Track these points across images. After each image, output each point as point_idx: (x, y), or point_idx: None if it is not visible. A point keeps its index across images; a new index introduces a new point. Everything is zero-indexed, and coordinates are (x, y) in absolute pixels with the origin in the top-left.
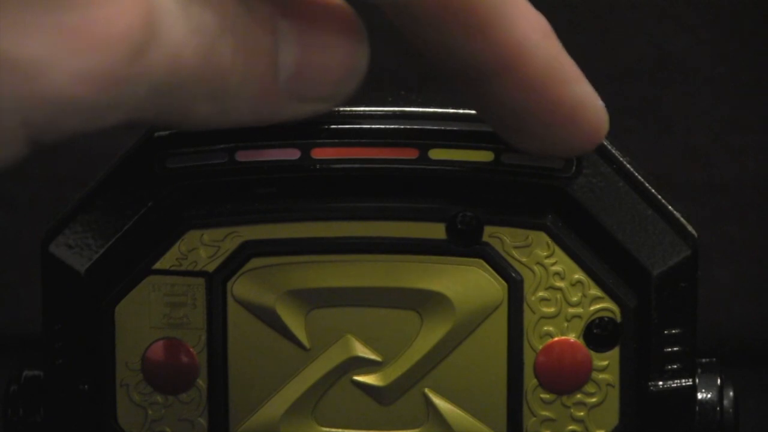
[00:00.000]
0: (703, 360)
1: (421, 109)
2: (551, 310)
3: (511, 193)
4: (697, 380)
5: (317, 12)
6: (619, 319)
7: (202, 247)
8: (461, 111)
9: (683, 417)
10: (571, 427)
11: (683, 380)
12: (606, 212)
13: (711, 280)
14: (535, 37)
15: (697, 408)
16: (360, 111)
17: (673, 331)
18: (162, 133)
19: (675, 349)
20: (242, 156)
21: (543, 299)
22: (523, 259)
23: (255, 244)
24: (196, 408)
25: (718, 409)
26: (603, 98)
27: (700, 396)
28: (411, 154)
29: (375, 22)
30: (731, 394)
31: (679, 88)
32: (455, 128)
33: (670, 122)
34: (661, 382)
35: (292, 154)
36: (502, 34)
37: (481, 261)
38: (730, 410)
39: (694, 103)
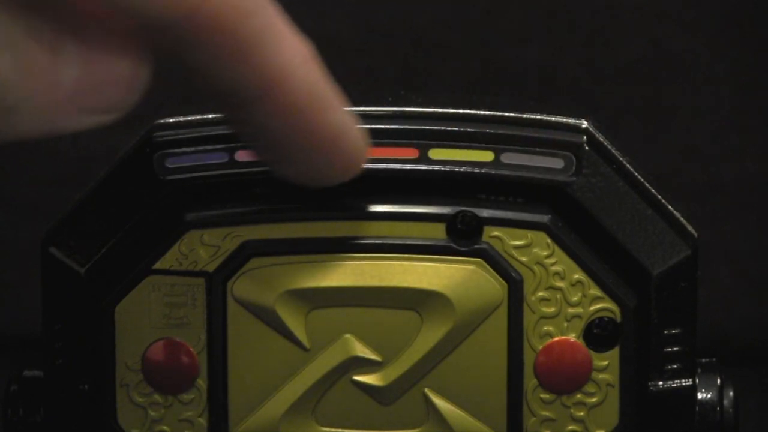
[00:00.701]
0: (703, 360)
1: (421, 109)
2: (551, 310)
3: (511, 192)
4: (697, 380)
5: (99, 33)
6: (619, 319)
7: (202, 247)
8: (461, 111)
9: (683, 417)
10: (571, 427)
11: (683, 380)
12: (606, 212)
13: (711, 280)
14: (296, 62)
15: (697, 408)
16: (360, 111)
17: (673, 331)
18: (162, 133)
19: (675, 349)
20: (242, 156)
21: (543, 299)
22: (523, 259)
23: (255, 244)
24: (196, 408)
25: (718, 409)
26: (603, 98)
27: (700, 396)
28: (411, 154)
29: (375, 22)
30: (731, 394)
31: (679, 88)
32: (455, 128)
33: (670, 122)
34: (661, 382)
35: None
36: (264, 59)
37: (481, 261)
38: (730, 410)
39: (694, 103)
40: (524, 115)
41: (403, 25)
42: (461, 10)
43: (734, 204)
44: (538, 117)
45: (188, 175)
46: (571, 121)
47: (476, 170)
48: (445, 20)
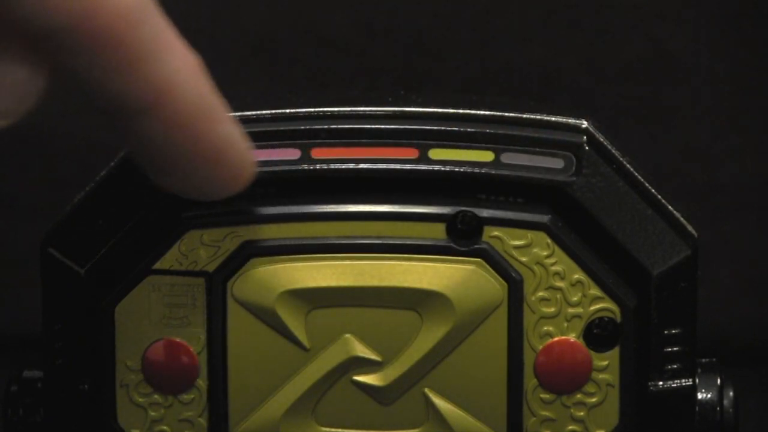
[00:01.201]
0: (703, 360)
1: (421, 109)
2: (551, 310)
3: (511, 192)
4: (697, 380)
5: None
6: (619, 319)
7: (202, 247)
8: (461, 111)
9: (683, 417)
10: (571, 427)
11: (683, 380)
12: (606, 212)
13: (711, 280)
14: (184, 74)
15: (697, 408)
16: (360, 111)
17: (673, 331)
18: None
19: (675, 349)
20: None
21: (543, 299)
22: (523, 259)
23: (255, 244)
24: (196, 408)
25: (718, 409)
26: (603, 98)
27: (700, 396)
28: (411, 154)
29: (375, 22)
30: (731, 394)
31: (679, 88)
32: (455, 128)
33: (670, 122)
34: (661, 382)
35: (293, 154)
36: (152, 70)
37: (481, 261)
38: (730, 410)
39: (694, 103)
40: (524, 115)
41: (403, 25)
42: (461, 10)
43: (734, 204)
44: (538, 117)
45: None
46: (571, 121)
47: (476, 170)
48: (445, 20)
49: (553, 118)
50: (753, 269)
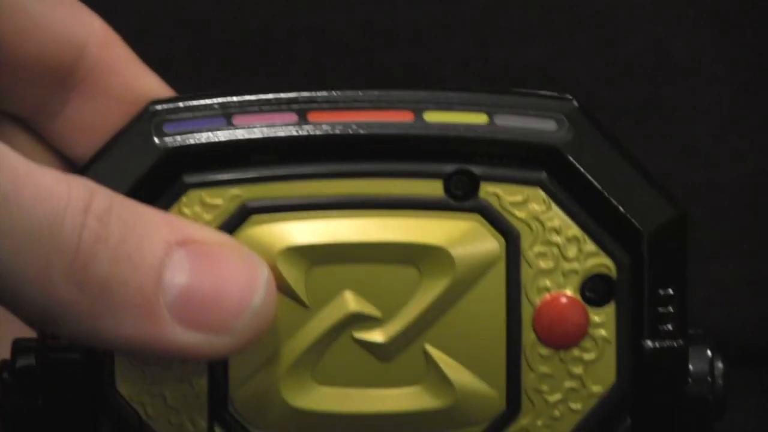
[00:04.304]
0: (692, 331)
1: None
2: (548, 264)
3: (506, 153)
4: (689, 344)
5: (214, 248)
6: (614, 275)
7: (202, 207)
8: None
9: (676, 378)
10: (568, 384)
11: (676, 341)
12: (597, 173)
13: (711, 280)
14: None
15: (689, 377)
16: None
17: (666, 292)
18: (159, 104)
19: (668, 309)
20: (239, 120)
21: (540, 254)
22: (520, 215)
23: (254, 203)
24: (196, 369)
25: (708, 379)
26: (603, 98)
27: (691, 367)
28: (406, 117)
29: (375, 22)
30: (720, 365)
31: (679, 88)
32: (449, 92)
33: (670, 122)
34: (655, 342)
35: (289, 118)
36: None
37: (479, 216)
38: (720, 381)
39: (694, 103)
40: (515, 89)
41: (403, 25)
42: (461, 10)
43: (734, 204)
44: (529, 90)
45: (186, 140)
46: (559, 94)
47: (471, 131)
48: (445, 20)
49: (543, 92)
50: (753, 269)
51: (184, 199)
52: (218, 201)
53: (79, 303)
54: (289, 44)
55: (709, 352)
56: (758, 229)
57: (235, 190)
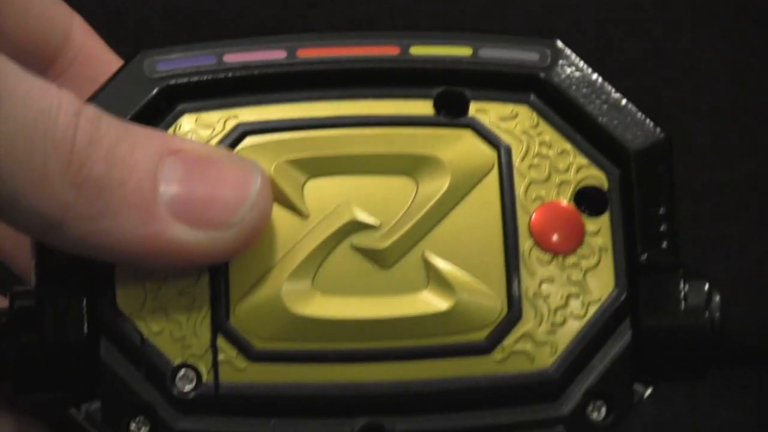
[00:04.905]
0: (690, 265)
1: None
2: (540, 175)
3: (491, 82)
4: (682, 266)
5: (206, 154)
6: (606, 186)
7: (198, 129)
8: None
9: (672, 295)
10: (568, 290)
11: (669, 258)
12: (583, 98)
13: (711, 279)
14: None
15: (683, 308)
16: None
17: (656, 210)
18: (152, 48)
19: (660, 228)
20: (230, 57)
21: (532, 165)
22: (510, 129)
23: (250, 124)
24: (197, 282)
25: (706, 314)
26: None
27: (688, 301)
28: (392, 51)
29: (375, 22)
30: (717, 298)
31: (678, 88)
32: (434, 30)
33: (670, 122)
34: (650, 256)
35: (279, 55)
36: None
37: (470, 131)
38: (717, 313)
39: (693, 104)
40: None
41: (402, 25)
42: (461, 11)
43: (734, 204)
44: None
45: (179, 74)
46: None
47: (456, 63)
48: (445, 21)
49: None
50: (753, 269)
51: (178, 123)
52: (213, 123)
53: (79, 204)
54: None
55: (707, 286)
56: (758, 229)
57: (228, 114)
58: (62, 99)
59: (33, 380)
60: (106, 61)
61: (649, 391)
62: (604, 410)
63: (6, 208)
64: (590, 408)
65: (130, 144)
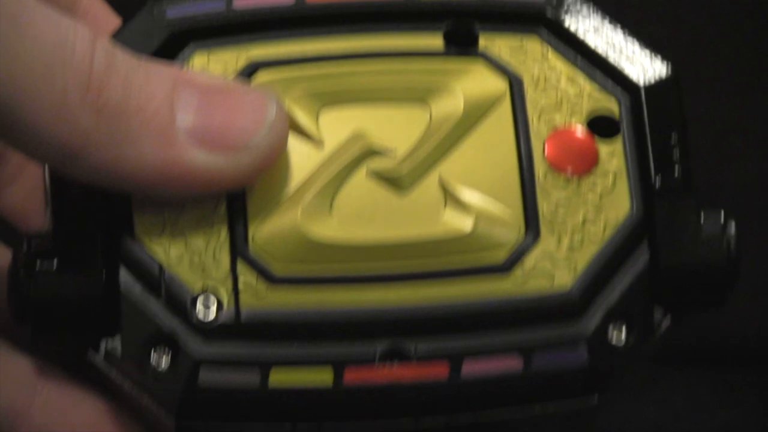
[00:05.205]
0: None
1: None
2: (552, 102)
3: (501, 13)
4: (695, 198)
5: (220, 83)
6: (617, 113)
7: (211, 65)
8: None
9: (687, 218)
10: (585, 211)
11: (683, 185)
12: (591, 35)
13: None
14: None
15: (700, 232)
16: None
17: (668, 138)
18: None
19: (672, 156)
20: (239, 4)
21: (543, 93)
22: (520, 59)
23: (262, 59)
24: (215, 210)
25: (724, 243)
26: None
27: (705, 229)
28: None
29: None
30: (733, 229)
31: None
32: None
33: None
34: (664, 180)
35: (287, 1)
36: None
37: (481, 60)
38: (732, 242)
39: (693, 105)
40: None
41: None
42: None
43: (734, 204)
44: None
45: (189, 19)
46: None
47: (463, 6)
48: None
49: None
50: (753, 269)
51: (191, 61)
52: (225, 60)
53: (99, 131)
54: None
55: (722, 216)
56: (758, 229)
57: (240, 51)
58: (78, 28)
59: (53, 319)
60: (113, 25)
61: (668, 322)
62: (624, 331)
63: (27, 138)
64: (611, 329)
65: (145, 73)
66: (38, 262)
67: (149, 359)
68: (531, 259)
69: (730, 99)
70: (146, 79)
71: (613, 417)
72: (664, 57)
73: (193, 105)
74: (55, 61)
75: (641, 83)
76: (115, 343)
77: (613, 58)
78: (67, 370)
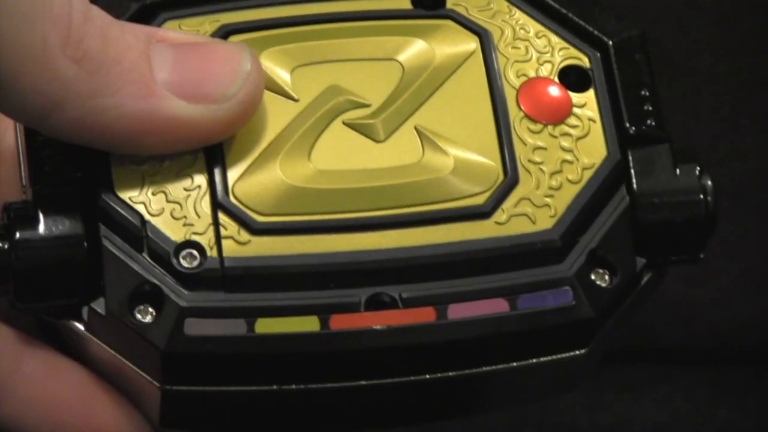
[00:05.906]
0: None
1: None
2: (523, 55)
3: None
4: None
5: (193, 38)
6: (588, 65)
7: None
8: None
9: (663, 163)
10: (562, 155)
11: (657, 132)
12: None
13: (711, 280)
14: None
15: (676, 179)
16: None
17: (639, 91)
18: None
19: (644, 107)
20: None
21: (514, 47)
22: (488, 17)
23: (233, 25)
24: (194, 163)
25: (700, 195)
26: None
27: (681, 179)
28: None
29: None
30: (709, 181)
31: (678, 89)
32: None
33: (670, 122)
34: (637, 129)
35: None
36: None
37: (449, 20)
38: (710, 198)
39: (693, 104)
40: None
41: None
42: None
43: (734, 204)
44: None
45: None
46: None
47: None
48: None
49: None
50: (753, 269)
51: (164, 27)
52: (196, 26)
53: (79, 81)
54: None
55: (698, 169)
56: (758, 229)
57: (211, 18)
58: None
59: (34, 286)
60: None
61: (650, 274)
62: (607, 277)
63: (7, 91)
64: (594, 270)
65: (120, 27)
66: (17, 230)
67: (134, 315)
68: (511, 202)
69: (729, 98)
70: (122, 33)
71: (613, 417)
72: (629, 22)
73: (168, 59)
74: (35, 12)
75: (610, 40)
76: (98, 306)
77: (581, 17)
78: (49, 343)
